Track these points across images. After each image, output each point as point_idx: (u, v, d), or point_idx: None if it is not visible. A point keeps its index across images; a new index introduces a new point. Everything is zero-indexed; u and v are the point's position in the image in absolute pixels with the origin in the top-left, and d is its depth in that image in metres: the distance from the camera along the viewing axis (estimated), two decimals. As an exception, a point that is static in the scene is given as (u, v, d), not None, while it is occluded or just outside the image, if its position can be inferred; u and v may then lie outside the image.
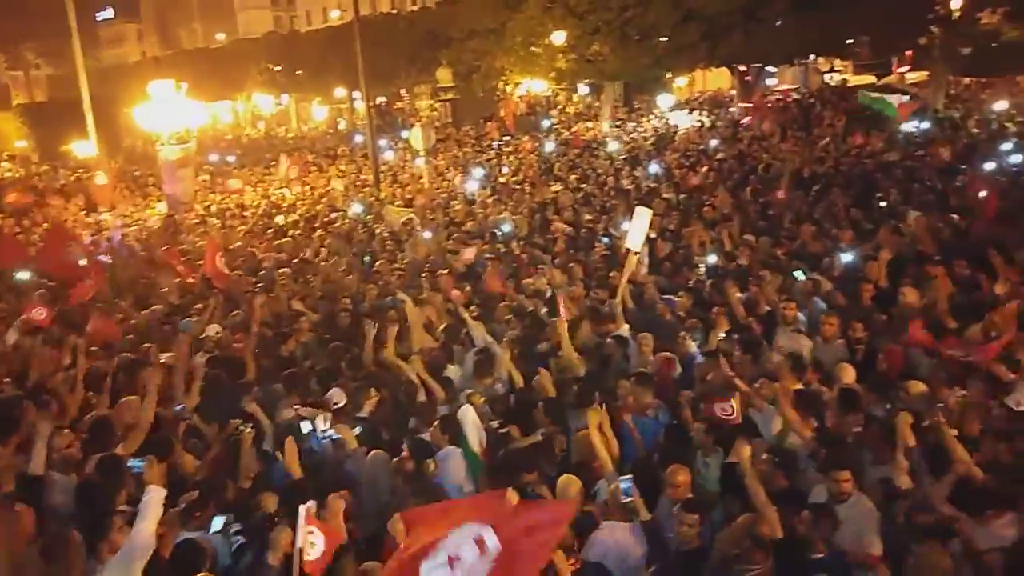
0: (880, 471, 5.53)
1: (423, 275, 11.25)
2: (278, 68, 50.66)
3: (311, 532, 4.58)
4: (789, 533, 4.86)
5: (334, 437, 6.42)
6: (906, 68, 28.65)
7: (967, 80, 32.16)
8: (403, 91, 48.53)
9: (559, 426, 6.53)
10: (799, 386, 6.69)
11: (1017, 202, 12.41)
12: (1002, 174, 14.67)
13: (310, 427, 6.57)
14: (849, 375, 7.02)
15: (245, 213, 20.31)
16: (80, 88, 28.70)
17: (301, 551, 4.43)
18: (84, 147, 29.92)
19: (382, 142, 30.44)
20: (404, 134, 31.43)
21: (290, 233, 16.52)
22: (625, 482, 5.13)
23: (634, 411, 6.75)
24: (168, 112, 21.96)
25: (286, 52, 50.36)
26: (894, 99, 19.56)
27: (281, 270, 12.49)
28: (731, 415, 6.06)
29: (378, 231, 15.90)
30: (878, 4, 23.08)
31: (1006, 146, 16.96)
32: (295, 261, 13.63)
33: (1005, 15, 22.89)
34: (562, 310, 8.11)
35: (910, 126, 20.72)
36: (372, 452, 6.36)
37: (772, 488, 5.30)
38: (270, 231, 17.01)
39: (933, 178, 14.76)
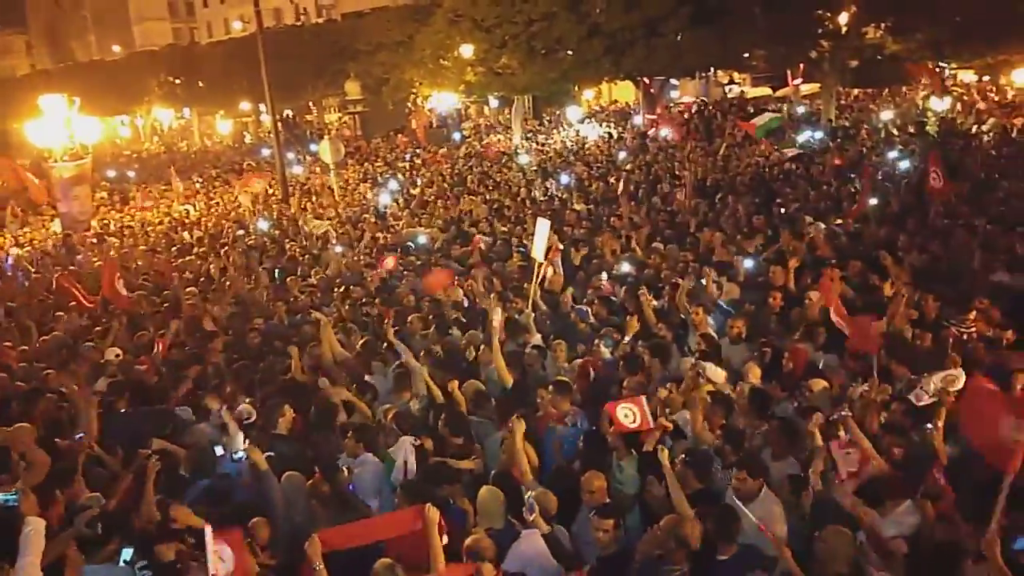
0: (784, 466, 5.75)
1: (336, 291, 11.10)
2: (178, 81, 49.10)
3: (218, 549, 4.46)
4: (704, 536, 4.95)
5: (244, 458, 6.20)
6: (800, 80, 29.99)
7: (856, 91, 33.92)
8: (311, 104, 47.72)
9: (464, 438, 6.51)
10: (710, 387, 6.89)
11: (906, 206, 13.18)
12: (891, 180, 15.55)
13: (222, 450, 6.36)
14: (756, 374, 7.29)
15: (147, 230, 19.59)
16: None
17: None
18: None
19: (290, 156, 29.93)
20: (313, 147, 30.94)
21: (196, 250, 16.02)
22: (530, 498, 5.16)
23: (554, 419, 6.82)
24: (60, 127, 20.95)
25: (187, 65, 48.87)
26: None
27: (188, 289, 12.11)
28: (634, 422, 5.97)
29: (289, 247, 15.59)
30: (771, 19, 24.12)
31: (892, 154, 17.98)
32: (202, 280, 13.22)
33: (887, 30, 24.29)
34: (496, 323, 8.10)
35: (805, 136, 21.74)
36: (286, 474, 6.20)
37: (688, 490, 5.45)
38: (174, 249, 16.45)
39: (829, 185, 15.47)
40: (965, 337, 7.47)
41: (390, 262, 12.50)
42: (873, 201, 13.13)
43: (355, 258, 13.87)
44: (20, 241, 20.11)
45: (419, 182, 23.06)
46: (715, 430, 6.25)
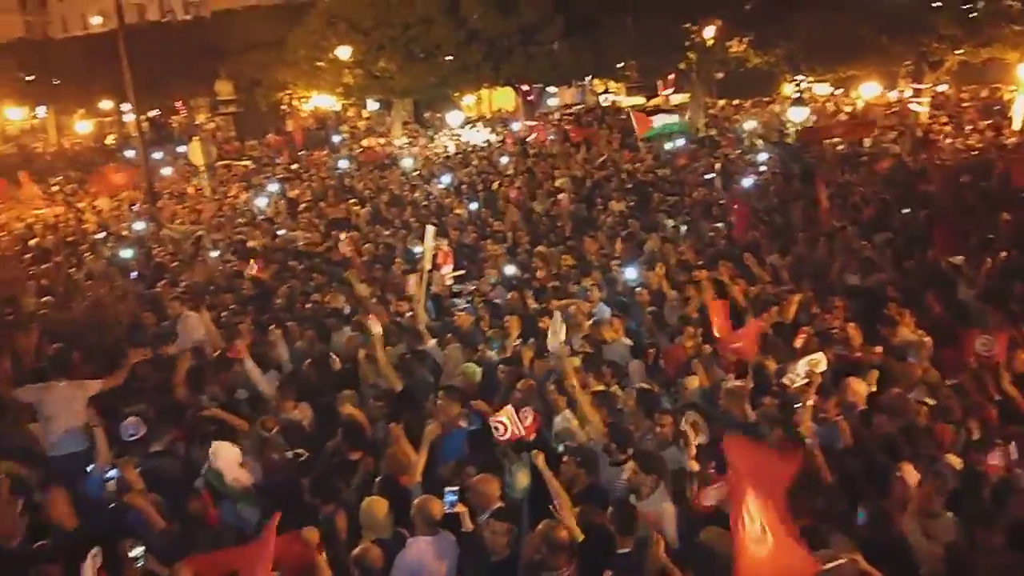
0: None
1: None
2: (31, 77, 45.81)
3: None
4: (594, 531, 5.00)
5: (115, 477, 5.80)
6: (671, 90, 31.13)
7: (722, 102, 35.55)
8: (179, 104, 45.64)
9: (362, 449, 6.38)
10: (600, 387, 7.03)
11: (766, 210, 13.92)
12: (755, 187, 16.37)
13: (90, 467, 5.96)
14: (639, 373, 7.54)
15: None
16: None
17: None
18: None
19: (157, 157, 28.57)
20: (181, 148, 29.64)
21: (53, 258, 14.93)
22: (451, 494, 5.08)
23: (444, 424, 6.76)
24: None
25: (40, 60, 45.65)
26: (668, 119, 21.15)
27: (44, 299, 11.28)
28: (503, 434, 6.00)
29: (156, 252, 14.83)
30: (643, 31, 25.06)
31: (761, 156, 18.94)
32: (60, 289, 12.33)
33: (750, 44, 25.67)
34: (376, 325, 8.00)
35: (672, 144, 22.55)
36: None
37: (576, 489, 5.52)
38: (28, 256, 15.28)
39: (698, 191, 16.11)
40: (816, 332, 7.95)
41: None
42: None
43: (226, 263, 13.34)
44: None
45: (288, 184, 22.34)
46: (602, 428, 6.37)
